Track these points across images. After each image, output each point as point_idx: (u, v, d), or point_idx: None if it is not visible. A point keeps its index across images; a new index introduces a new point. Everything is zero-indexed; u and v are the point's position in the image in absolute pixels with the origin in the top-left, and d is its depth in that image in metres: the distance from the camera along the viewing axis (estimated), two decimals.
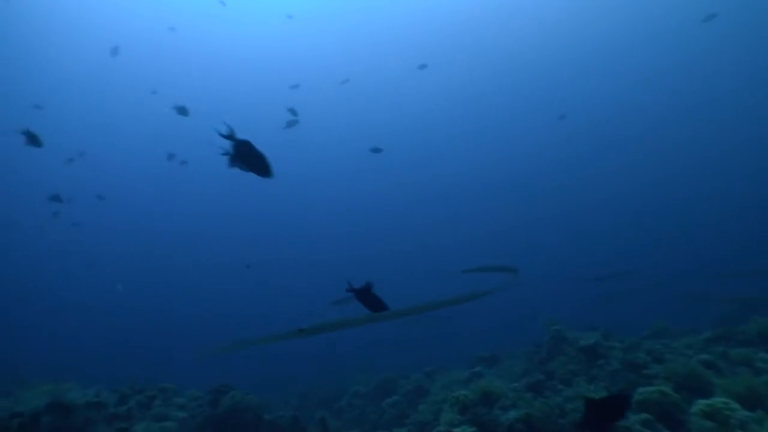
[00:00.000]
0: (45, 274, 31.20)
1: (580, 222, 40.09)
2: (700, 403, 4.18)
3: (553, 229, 39.83)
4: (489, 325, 22.00)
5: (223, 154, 4.21)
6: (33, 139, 7.22)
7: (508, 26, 34.56)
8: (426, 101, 40.00)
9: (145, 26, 32.16)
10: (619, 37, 35.13)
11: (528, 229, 40.20)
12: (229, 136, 4.13)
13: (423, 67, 25.12)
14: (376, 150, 14.65)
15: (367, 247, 38.25)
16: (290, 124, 13.79)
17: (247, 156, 4.10)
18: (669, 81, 37.42)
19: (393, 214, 41.67)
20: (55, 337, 23.85)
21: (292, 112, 13.42)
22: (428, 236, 39.88)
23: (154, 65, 34.71)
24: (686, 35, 33.81)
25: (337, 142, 40.46)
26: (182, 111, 13.06)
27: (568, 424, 6.03)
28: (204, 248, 38.05)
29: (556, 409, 6.48)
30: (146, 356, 20.62)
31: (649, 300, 18.24)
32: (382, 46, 35.64)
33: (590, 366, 8.72)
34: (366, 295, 4.74)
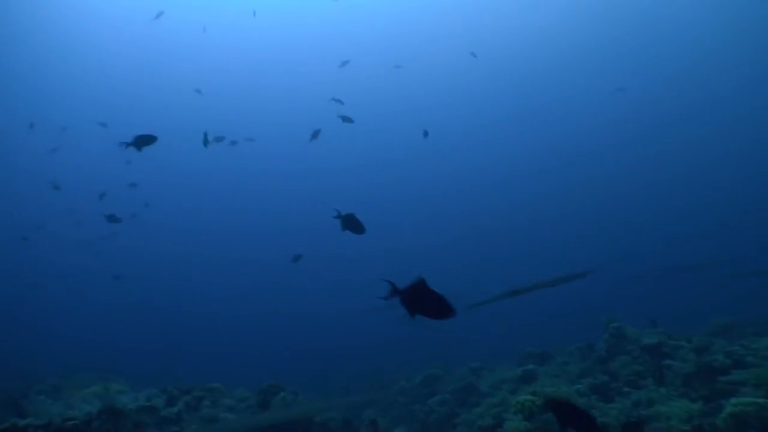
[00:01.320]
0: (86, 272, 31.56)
1: (613, 215, 38.75)
2: None
3: (586, 223, 38.68)
4: (525, 320, 21.47)
5: (335, 216, 5.91)
6: (145, 140, 7.00)
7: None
8: (472, 90, 39.40)
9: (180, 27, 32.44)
10: (664, 20, 33.97)
11: (559, 223, 39.12)
12: (339, 216, 5.88)
13: (474, 55, 24.57)
14: (425, 134, 14.34)
15: (412, 238, 37.69)
16: (337, 103, 13.47)
17: (351, 223, 5.84)
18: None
19: (432, 202, 40.87)
20: (101, 335, 24.17)
21: (343, 118, 13.04)
22: (473, 226, 39.12)
23: (194, 62, 35.09)
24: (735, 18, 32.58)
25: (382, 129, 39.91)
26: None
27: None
28: (246, 243, 38.17)
29: (633, 417, 6.04)
30: (184, 354, 20.65)
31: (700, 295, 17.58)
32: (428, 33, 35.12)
33: (656, 367, 8.25)
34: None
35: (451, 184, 41.08)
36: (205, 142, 12.16)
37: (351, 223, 5.87)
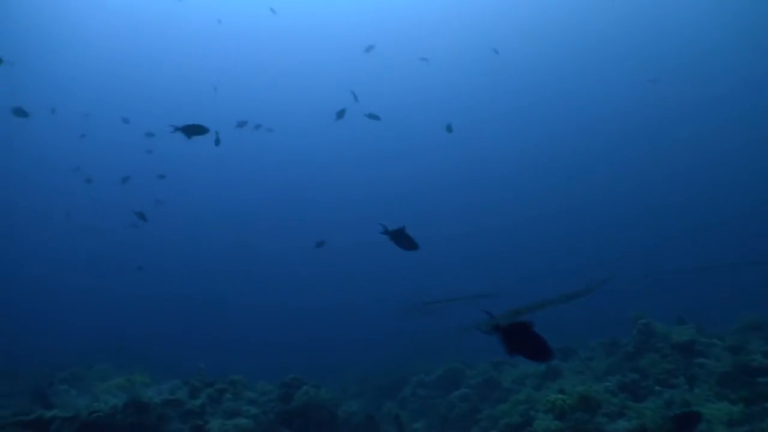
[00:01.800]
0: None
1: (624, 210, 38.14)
2: None
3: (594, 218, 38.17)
4: (541, 314, 21.14)
5: (382, 232, 5.46)
6: (196, 130, 6.87)
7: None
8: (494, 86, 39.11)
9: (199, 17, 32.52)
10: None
11: (577, 218, 38.59)
12: (387, 231, 5.38)
13: (496, 52, 24.37)
14: (449, 128, 14.15)
15: (427, 232, 37.36)
16: (354, 97, 13.38)
17: (402, 240, 5.34)
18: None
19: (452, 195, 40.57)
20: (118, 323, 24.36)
21: (372, 116, 12.82)
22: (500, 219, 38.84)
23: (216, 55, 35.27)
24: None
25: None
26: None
27: None
28: (266, 233, 38.29)
29: (669, 419, 5.85)
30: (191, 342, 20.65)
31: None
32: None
33: (687, 365, 8.03)
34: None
35: (467, 177, 40.79)
36: (217, 142, 12.16)
37: (402, 240, 5.29)
